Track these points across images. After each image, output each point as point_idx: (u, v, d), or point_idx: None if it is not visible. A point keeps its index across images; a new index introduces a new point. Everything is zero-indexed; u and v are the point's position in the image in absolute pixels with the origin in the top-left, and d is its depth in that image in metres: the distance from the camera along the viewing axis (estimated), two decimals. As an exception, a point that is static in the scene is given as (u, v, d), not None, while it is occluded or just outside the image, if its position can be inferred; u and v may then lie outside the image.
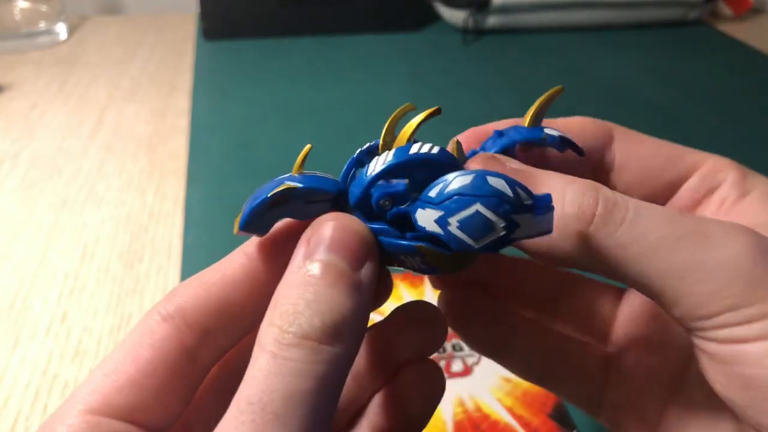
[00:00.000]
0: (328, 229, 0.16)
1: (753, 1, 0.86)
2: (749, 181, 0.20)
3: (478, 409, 0.30)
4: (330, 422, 0.15)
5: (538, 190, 0.16)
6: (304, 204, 0.17)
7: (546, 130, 0.19)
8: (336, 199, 0.17)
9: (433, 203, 0.16)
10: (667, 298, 0.16)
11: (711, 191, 0.20)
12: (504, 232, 0.15)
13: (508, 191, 0.15)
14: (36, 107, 0.58)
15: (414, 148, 0.17)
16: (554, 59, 0.71)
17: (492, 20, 0.75)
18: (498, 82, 0.65)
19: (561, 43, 0.75)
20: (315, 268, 0.15)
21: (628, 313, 0.22)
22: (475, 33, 0.76)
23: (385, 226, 0.17)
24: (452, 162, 0.17)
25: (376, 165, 0.17)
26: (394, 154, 0.17)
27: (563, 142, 0.20)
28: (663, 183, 0.21)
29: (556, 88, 0.20)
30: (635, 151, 0.21)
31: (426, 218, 0.16)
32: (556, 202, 0.16)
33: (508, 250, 0.17)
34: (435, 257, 0.16)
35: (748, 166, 0.22)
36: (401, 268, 0.18)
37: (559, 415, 0.30)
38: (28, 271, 0.39)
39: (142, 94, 0.61)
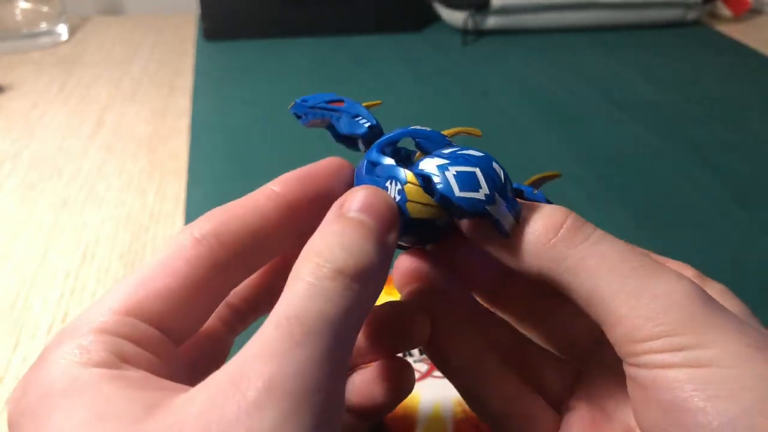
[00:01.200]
0: (362, 194, 0.18)
1: (752, 2, 0.86)
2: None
3: (478, 408, 0.30)
4: (349, 356, 0.17)
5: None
6: (350, 117, 0.22)
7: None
8: (371, 129, 0.21)
9: (442, 155, 0.19)
10: (610, 318, 0.17)
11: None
12: (483, 198, 0.18)
13: (502, 177, 0.18)
14: (36, 107, 0.58)
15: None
16: (554, 59, 0.71)
17: (492, 21, 0.75)
18: (498, 83, 0.65)
19: (561, 44, 0.75)
20: (350, 222, 0.17)
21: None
22: (474, 34, 0.76)
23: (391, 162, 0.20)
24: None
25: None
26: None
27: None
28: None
29: (553, 174, 0.22)
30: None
31: (429, 164, 0.18)
32: (533, 217, 0.18)
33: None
34: (415, 199, 0.19)
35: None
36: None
37: (558, 415, 0.30)
38: (29, 271, 0.39)
39: (143, 95, 0.61)
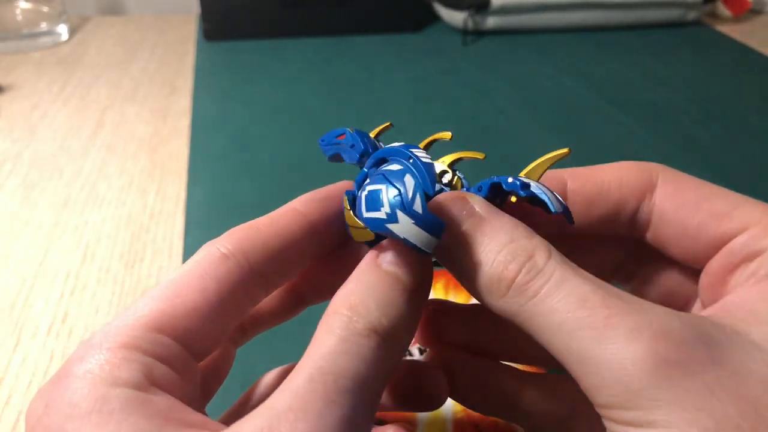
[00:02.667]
0: (405, 252, 0.18)
1: (751, 2, 0.86)
2: None
3: (478, 408, 0.30)
4: (375, 412, 0.16)
5: (484, 235, 0.17)
6: (348, 148, 0.21)
7: (534, 189, 0.19)
8: (360, 157, 0.20)
9: (373, 173, 0.18)
10: (570, 372, 0.16)
11: (749, 258, 0.18)
12: (383, 217, 0.16)
13: (409, 193, 0.16)
14: (37, 107, 0.58)
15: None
16: (554, 59, 0.71)
17: (492, 21, 0.75)
18: (498, 83, 0.65)
19: (561, 44, 0.75)
20: (385, 276, 0.17)
21: None
22: (474, 34, 0.76)
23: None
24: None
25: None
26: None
27: (535, 202, 0.19)
28: (702, 243, 0.19)
29: (562, 152, 0.20)
30: (676, 204, 0.20)
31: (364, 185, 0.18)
32: (489, 255, 0.17)
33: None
34: (351, 223, 0.18)
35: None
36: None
37: (558, 415, 0.30)
38: (30, 270, 0.39)
39: (143, 95, 0.61)
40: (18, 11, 0.70)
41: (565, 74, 0.68)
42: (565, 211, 0.19)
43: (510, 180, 0.19)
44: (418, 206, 0.16)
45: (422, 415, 0.30)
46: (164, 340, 0.16)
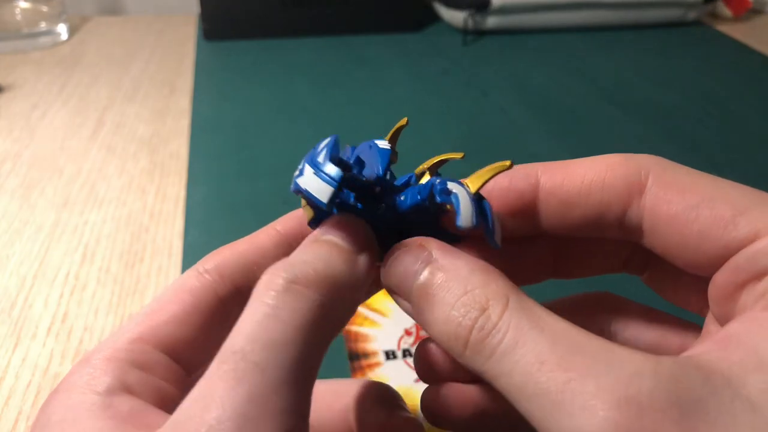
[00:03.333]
0: (338, 219, 0.18)
1: (752, 2, 0.86)
2: None
3: (478, 408, 0.30)
4: (315, 375, 0.16)
5: (439, 288, 0.16)
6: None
7: (452, 197, 0.17)
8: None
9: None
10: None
11: (758, 276, 0.15)
12: (297, 173, 0.17)
13: (319, 147, 0.17)
14: (37, 107, 0.58)
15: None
16: (554, 59, 0.71)
17: (492, 21, 0.75)
18: (498, 83, 0.65)
19: (561, 43, 0.75)
20: (320, 243, 0.17)
21: None
22: (475, 34, 0.76)
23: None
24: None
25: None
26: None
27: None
28: (704, 255, 0.17)
29: (503, 165, 0.18)
30: (670, 211, 0.17)
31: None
32: (443, 311, 0.16)
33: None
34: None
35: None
36: None
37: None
38: (30, 270, 0.39)
39: (143, 95, 0.61)
40: (18, 11, 0.70)
41: (565, 74, 0.68)
42: (487, 231, 0.18)
43: (438, 181, 0.18)
44: (321, 158, 0.17)
45: (422, 417, 0.30)
46: (144, 348, 0.17)
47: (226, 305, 0.19)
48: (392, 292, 0.18)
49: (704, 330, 0.19)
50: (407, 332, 0.34)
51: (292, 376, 0.14)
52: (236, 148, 0.52)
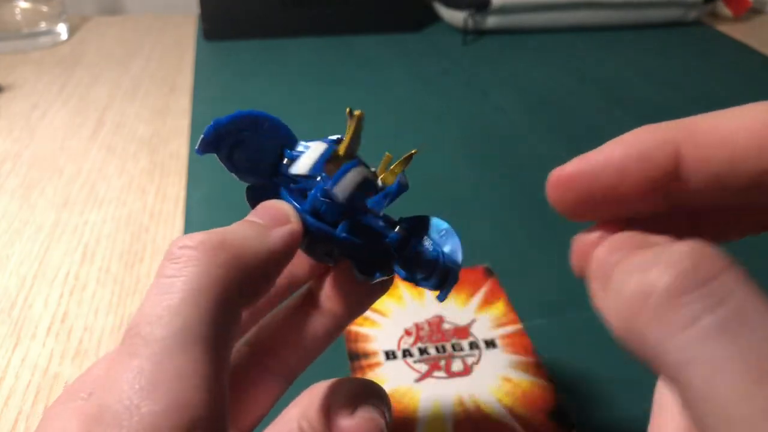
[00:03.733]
0: (260, 204, 0.19)
1: (752, 2, 0.86)
2: None
3: (478, 409, 0.30)
4: (223, 340, 0.15)
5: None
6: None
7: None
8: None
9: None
10: None
11: None
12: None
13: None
14: (37, 107, 0.58)
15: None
16: (554, 59, 0.71)
17: (492, 21, 0.75)
18: (498, 83, 0.65)
19: (561, 43, 0.75)
20: (242, 220, 0.18)
21: None
22: (475, 33, 0.76)
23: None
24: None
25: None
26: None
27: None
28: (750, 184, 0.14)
29: (410, 153, 0.20)
30: (708, 168, 0.14)
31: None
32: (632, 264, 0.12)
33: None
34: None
35: None
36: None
37: (558, 415, 0.30)
38: (30, 270, 0.39)
39: (143, 95, 0.61)
40: (18, 11, 0.70)
41: (565, 74, 0.68)
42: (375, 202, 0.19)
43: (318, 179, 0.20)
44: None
45: (422, 416, 0.30)
46: None
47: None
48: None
49: None
50: (407, 332, 0.34)
51: (180, 343, 0.14)
52: (236, 148, 0.52)
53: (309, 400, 0.21)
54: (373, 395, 0.21)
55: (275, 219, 0.18)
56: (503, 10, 0.74)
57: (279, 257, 0.18)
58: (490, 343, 0.34)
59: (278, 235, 0.18)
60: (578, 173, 0.16)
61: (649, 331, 0.11)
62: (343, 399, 0.21)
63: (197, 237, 0.16)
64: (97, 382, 0.16)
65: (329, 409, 0.21)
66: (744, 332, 0.10)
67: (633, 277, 0.12)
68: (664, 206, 0.15)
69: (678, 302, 0.11)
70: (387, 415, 0.21)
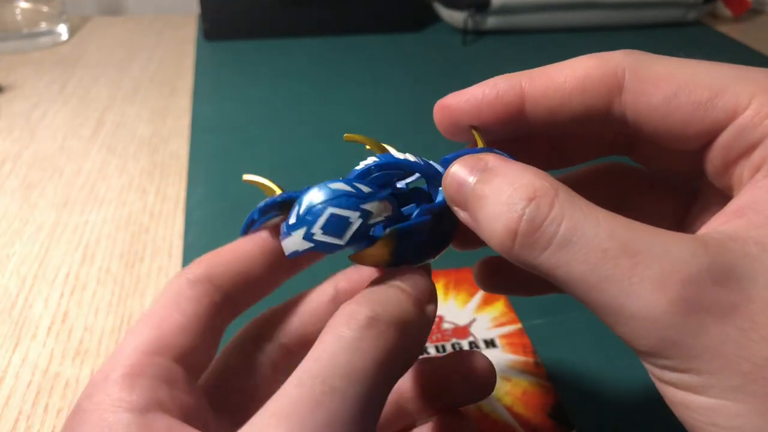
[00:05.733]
0: (408, 274, 0.19)
1: (752, 2, 0.86)
2: None
3: (478, 408, 0.30)
4: (380, 412, 0.16)
5: (492, 188, 0.17)
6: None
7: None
8: None
9: (294, 227, 0.18)
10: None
11: (747, 150, 0.16)
12: (361, 221, 0.17)
13: (349, 188, 0.18)
14: (37, 107, 0.58)
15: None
16: (554, 59, 0.71)
17: (492, 21, 0.75)
18: (498, 83, 0.65)
19: (561, 44, 0.75)
20: (391, 286, 0.18)
21: None
22: (474, 34, 0.76)
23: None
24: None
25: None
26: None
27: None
28: (692, 140, 0.17)
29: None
30: (650, 104, 0.17)
31: (293, 242, 0.18)
32: (494, 208, 0.16)
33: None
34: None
35: None
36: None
37: (558, 415, 0.30)
38: (30, 270, 0.39)
39: (143, 95, 0.61)
40: (18, 11, 0.70)
41: (565, 74, 0.68)
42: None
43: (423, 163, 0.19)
44: (366, 189, 0.18)
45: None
46: (163, 362, 0.17)
47: (218, 311, 0.19)
48: (452, 203, 0.18)
49: (706, 204, 0.20)
50: (407, 332, 0.34)
51: (367, 408, 0.15)
52: (237, 148, 0.52)
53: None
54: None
55: (424, 292, 0.18)
56: (503, 10, 0.74)
57: (428, 332, 0.18)
58: (490, 343, 0.34)
59: (431, 312, 0.18)
60: (451, 105, 0.21)
61: (522, 255, 0.16)
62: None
63: (378, 307, 0.16)
64: None
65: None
66: (579, 239, 0.15)
67: (501, 219, 0.16)
68: (520, 132, 0.20)
69: (533, 237, 0.15)
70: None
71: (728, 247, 0.14)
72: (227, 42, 0.73)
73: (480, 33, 0.77)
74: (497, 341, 0.34)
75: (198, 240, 0.42)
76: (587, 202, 0.16)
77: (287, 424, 0.14)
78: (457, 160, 0.18)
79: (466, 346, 0.33)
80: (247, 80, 0.64)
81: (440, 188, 0.19)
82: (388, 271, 0.19)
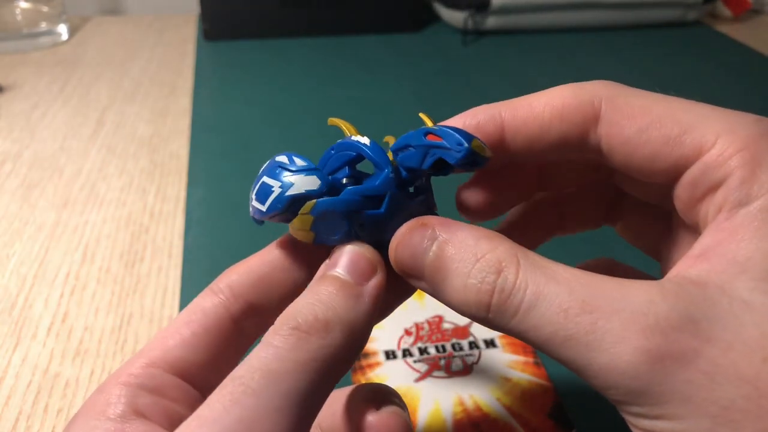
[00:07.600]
0: (343, 252, 0.18)
1: (751, 2, 0.86)
2: (757, 182, 0.16)
3: (478, 408, 0.30)
4: (315, 408, 0.16)
5: (451, 260, 0.17)
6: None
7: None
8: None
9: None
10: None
11: (710, 190, 0.17)
12: (281, 190, 0.18)
13: (285, 159, 0.19)
14: (37, 107, 0.58)
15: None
16: (554, 59, 0.71)
17: (492, 21, 0.75)
18: (498, 83, 0.65)
19: (561, 44, 0.75)
20: (326, 276, 0.18)
21: None
22: (474, 34, 0.76)
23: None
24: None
25: None
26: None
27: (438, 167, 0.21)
28: (660, 175, 0.18)
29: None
30: (623, 136, 0.18)
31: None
32: (459, 280, 0.17)
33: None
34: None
35: None
36: None
37: (557, 415, 0.30)
38: (30, 270, 0.39)
39: (143, 95, 0.61)
40: (18, 11, 0.70)
41: (565, 74, 0.68)
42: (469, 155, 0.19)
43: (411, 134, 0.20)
44: (299, 162, 0.19)
45: (422, 416, 0.30)
46: (154, 372, 0.18)
47: (238, 323, 0.20)
48: (406, 275, 0.18)
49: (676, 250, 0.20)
50: (407, 332, 0.34)
51: (286, 404, 0.15)
52: (236, 148, 0.52)
53: (324, 408, 0.21)
54: (393, 395, 0.22)
55: (364, 271, 0.18)
56: (503, 11, 0.74)
57: (372, 316, 0.18)
58: (490, 343, 0.34)
59: (370, 294, 0.18)
60: None
61: (495, 322, 0.16)
62: (364, 400, 0.21)
63: (300, 316, 0.16)
64: None
65: (350, 412, 0.21)
66: (542, 302, 0.16)
67: (472, 292, 0.17)
68: (501, 161, 0.20)
69: (504, 306, 0.16)
70: (407, 414, 0.22)
71: (688, 291, 0.15)
72: (227, 42, 0.73)
73: (480, 33, 0.77)
74: (497, 341, 0.34)
75: (198, 240, 0.42)
76: (546, 260, 0.16)
77: (204, 423, 0.15)
78: (403, 227, 0.18)
79: (466, 346, 0.34)
80: (247, 80, 0.64)
81: (381, 173, 0.19)
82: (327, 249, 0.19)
